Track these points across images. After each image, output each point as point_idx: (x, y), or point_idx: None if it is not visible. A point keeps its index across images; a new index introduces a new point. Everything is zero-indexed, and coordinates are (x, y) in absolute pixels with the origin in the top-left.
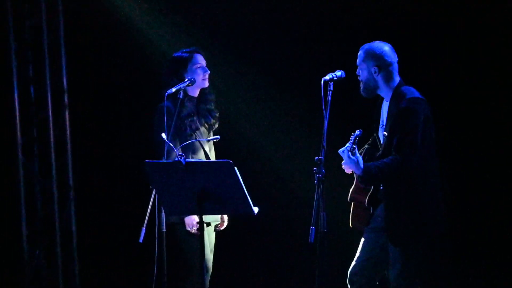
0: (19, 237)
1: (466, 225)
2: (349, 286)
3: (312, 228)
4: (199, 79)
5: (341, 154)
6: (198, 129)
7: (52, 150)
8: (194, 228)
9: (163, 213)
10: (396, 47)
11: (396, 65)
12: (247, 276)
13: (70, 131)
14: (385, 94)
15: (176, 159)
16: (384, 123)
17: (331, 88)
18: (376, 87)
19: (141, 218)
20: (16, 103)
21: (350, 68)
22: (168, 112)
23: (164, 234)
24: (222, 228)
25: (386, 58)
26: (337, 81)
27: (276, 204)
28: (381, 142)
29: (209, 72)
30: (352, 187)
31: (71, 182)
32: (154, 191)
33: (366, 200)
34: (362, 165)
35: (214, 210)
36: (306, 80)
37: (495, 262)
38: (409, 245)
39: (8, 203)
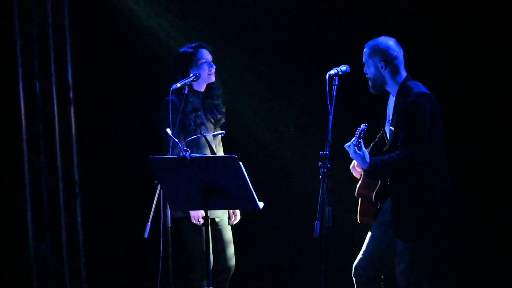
0: (25, 232)
1: (473, 222)
2: (354, 280)
3: (317, 222)
4: (204, 74)
5: (347, 149)
6: (203, 124)
7: (58, 145)
8: (200, 220)
9: (168, 208)
10: (402, 43)
11: (402, 59)
12: (252, 271)
13: (75, 127)
14: (392, 89)
15: (181, 154)
16: (391, 118)
17: (336, 83)
18: (384, 82)
19: (146, 213)
20: (22, 99)
21: (356, 63)
22: (173, 106)
23: (169, 229)
24: (235, 223)
25: (392, 52)
26: (342, 76)
27: (282, 199)
28: (388, 137)
29: (214, 67)
30: (359, 182)
31: (76, 177)
32: (159, 186)
33: (374, 195)
34: (368, 160)
35: (219, 205)
36: (311, 75)
37: (502, 259)
38: (416, 240)
39: (14, 199)
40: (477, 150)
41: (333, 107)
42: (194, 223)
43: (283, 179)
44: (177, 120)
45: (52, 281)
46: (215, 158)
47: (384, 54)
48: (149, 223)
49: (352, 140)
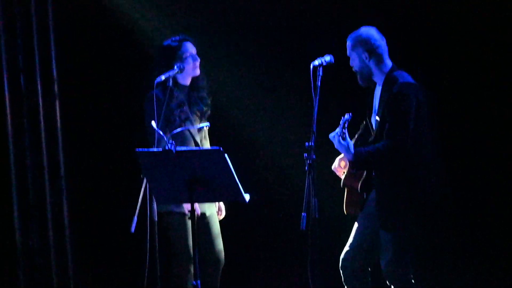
0: (12, 227)
1: (470, 220)
2: (341, 271)
3: (303, 214)
4: (189, 68)
5: (331, 140)
6: (188, 119)
7: (43, 140)
8: (187, 214)
9: (155, 202)
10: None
11: (385, 47)
12: (238, 263)
13: (60, 121)
14: (379, 79)
15: (167, 148)
16: (377, 108)
17: (321, 73)
18: (371, 73)
19: (133, 207)
20: (6, 93)
21: (340, 53)
22: (157, 100)
23: (156, 223)
24: (221, 218)
25: (374, 41)
26: (326, 66)
27: (268, 191)
28: (374, 128)
29: (199, 59)
30: (345, 172)
31: (62, 173)
32: (145, 180)
33: (359, 186)
34: (353, 150)
35: (205, 198)
36: (296, 65)
37: (491, 254)
38: (400, 231)
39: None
40: (476, 148)
41: (317, 97)
42: (180, 218)
43: (269, 171)
44: (162, 114)
45: (37, 258)
46: (200, 151)
47: (366, 45)
48: (135, 217)
49: (336, 130)
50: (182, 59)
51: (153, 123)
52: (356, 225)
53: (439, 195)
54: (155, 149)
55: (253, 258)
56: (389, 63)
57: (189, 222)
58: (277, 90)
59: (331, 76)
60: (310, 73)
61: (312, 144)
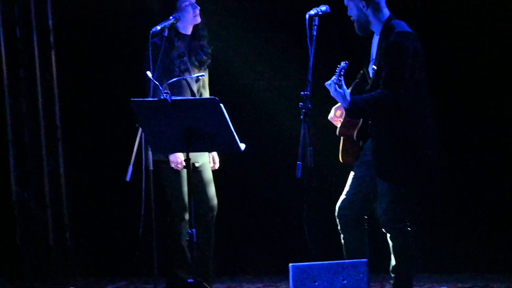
0: (8, 178)
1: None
2: (337, 220)
3: (299, 163)
4: (190, 16)
5: (327, 87)
6: (187, 70)
7: (39, 90)
8: (179, 166)
9: (150, 151)
10: None
11: None
12: (234, 213)
13: (56, 72)
14: (376, 28)
15: (162, 97)
16: (374, 57)
17: (316, 23)
18: (368, 22)
19: (129, 156)
20: (2, 44)
21: (336, 3)
22: (155, 49)
23: (151, 172)
24: (215, 168)
25: None
26: (322, 16)
27: (264, 140)
28: (370, 76)
29: (199, 8)
30: (341, 121)
31: (58, 122)
32: (140, 129)
33: (355, 134)
34: (349, 98)
35: (201, 148)
36: (292, 14)
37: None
38: (397, 180)
39: None
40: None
41: (313, 47)
42: (175, 166)
43: (265, 120)
44: (158, 62)
45: (34, 226)
46: (196, 101)
47: None
48: (131, 166)
49: (332, 78)
50: (182, 8)
51: (148, 73)
52: (352, 173)
53: (436, 147)
54: (150, 99)
55: (248, 208)
56: (386, 12)
57: (183, 171)
58: (272, 39)
59: (328, 25)
60: (306, 22)
61: (308, 93)
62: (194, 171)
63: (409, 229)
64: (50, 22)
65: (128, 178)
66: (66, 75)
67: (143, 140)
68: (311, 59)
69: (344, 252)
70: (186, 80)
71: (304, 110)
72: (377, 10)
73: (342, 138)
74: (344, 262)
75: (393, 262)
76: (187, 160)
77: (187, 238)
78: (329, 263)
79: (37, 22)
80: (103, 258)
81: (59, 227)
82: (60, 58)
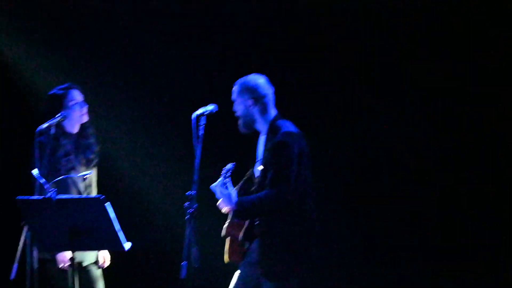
0: None
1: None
2: None
3: (183, 263)
4: (77, 115)
5: (213, 190)
6: (73, 168)
7: None
8: (65, 265)
9: (35, 249)
10: None
11: (271, 97)
12: None
13: None
14: (262, 127)
15: (47, 195)
16: (260, 158)
17: (203, 122)
18: (254, 120)
19: (13, 254)
20: None
21: (226, 102)
22: (41, 147)
23: (36, 270)
24: (105, 266)
25: (260, 90)
26: (209, 115)
27: (150, 239)
28: (254, 177)
29: (86, 106)
30: (227, 221)
31: None
32: (25, 227)
33: (241, 235)
34: (235, 199)
35: (87, 246)
36: (180, 113)
37: None
38: (283, 280)
39: None
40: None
41: (200, 146)
42: (61, 265)
43: (151, 220)
44: (45, 161)
45: None
46: (81, 199)
47: (253, 92)
48: (16, 264)
49: (218, 180)
50: (68, 107)
51: (34, 171)
52: (237, 273)
53: (319, 241)
54: (35, 197)
55: None
56: (273, 112)
57: (70, 270)
58: (161, 138)
59: (216, 124)
60: (192, 122)
61: (194, 193)
62: (82, 270)
63: None
64: None
65: (12, 276)
66: None
67: (28, 238)
68: (198, 158)
69: None
70: (72, 178)
71: (189, 210)
72: (264, 109)
73: (228, 238)
74: None
75: None
76: (72, 258)
77: None
78: None
79: None
80: None
81: None
82: None
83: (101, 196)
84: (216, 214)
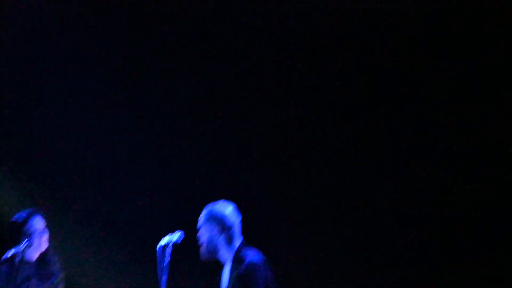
0: None
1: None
2: None
3: None
4: (36, 243)
5: None
6: None
7: None
8: None
9: None
10: None
11: (237, 227)
12: None
13: None
14: (226, 257)
15: None
16: (227, 286)
17: (169, 253)
18: (217, 249)
19: None
20: None
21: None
22: (4, 275)
23: None
24: None
25: (227, 221)
26: (176, 243)
27: None
28: None
29: (47, 233)
30: None
31: None
32: None
33: None
34: None
35: None
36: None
37: None
38: None
39: None
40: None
41: (165, 276)
42: None
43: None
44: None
45: None
46: None
47: (219, 223)
48: None
49: None
50: (29, 235)
51: None
52: None
53: None
54: None
55: None
56: (238, 242)
57: None
58: (127, 268)
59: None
60: (158, 252)
61: None
62: None
63: None
64: None
65: None
66: None
67: None
68: (163, 286)
69: None
70: None
71: None
72: (229, 240)
73: None
74: None
75: None
76: None
77: None
78: None
79: None
80: None
81: None
82: None
83: None
84: None
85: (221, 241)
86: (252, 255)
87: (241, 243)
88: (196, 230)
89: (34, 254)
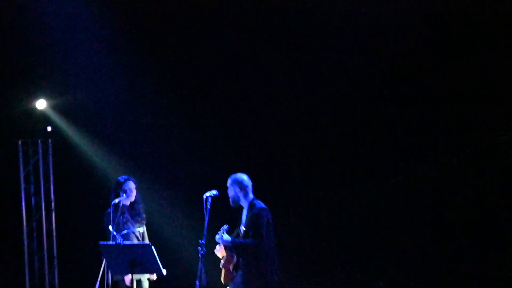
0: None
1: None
2: None
3: (197, 282)
4: (130, 196)
5: (217, 240)
6: (128, 222)
7: (41, 178)
8: (128, 283)
9: (110, 273)
10: None
11: (250, 187)
12: None
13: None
14: (244, 204)
15: (117, 242)
16: (244, 222)
17: (210, 201)
18: (239, 200)
19: (96, 276)
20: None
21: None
22: (113, 212)
23: (111, 285)
24: (154, 279)
25: (244, 184)
26: (213, 197)
27: (174, 268)
28: (241, 233)
29: (135, 192)
30: (223, 259)
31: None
32: (104, 260)
33: (231, 267)
34: (230, 239)
35: (140, 271)
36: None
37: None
38: None
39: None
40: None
41: (207, 214)
42: (126, 283)
43: (178, 256)
44: (115, 222)
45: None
46: (138, 245)
47: (240, 184)
48: (98, 282)
49: (218, 233)
50: (125, 191)
51: (110, 227)
52: None
53: (279, 273)
54: (110, 242)
55: None
56: (251, 195)
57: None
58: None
59: (218, 202)
60: (203, 200)
61: (203, 241)
62: (138, 284)
63: None
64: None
65: None
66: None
67: (106, 266)
68: (206, 221)
69: None
70: (133, 232)
71: (201, 252)
72: (246, 193)
73: (223, 269)
74: None
75: None
76: (132, 279)
77: None
78: None
79: None
80: None
81: None
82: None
83: (149, 243)
84: (216, 257)
85: (241, 195)
86: (260, 204)
87: (253, 197)
88: (225, 189)
89: (127, 202)
